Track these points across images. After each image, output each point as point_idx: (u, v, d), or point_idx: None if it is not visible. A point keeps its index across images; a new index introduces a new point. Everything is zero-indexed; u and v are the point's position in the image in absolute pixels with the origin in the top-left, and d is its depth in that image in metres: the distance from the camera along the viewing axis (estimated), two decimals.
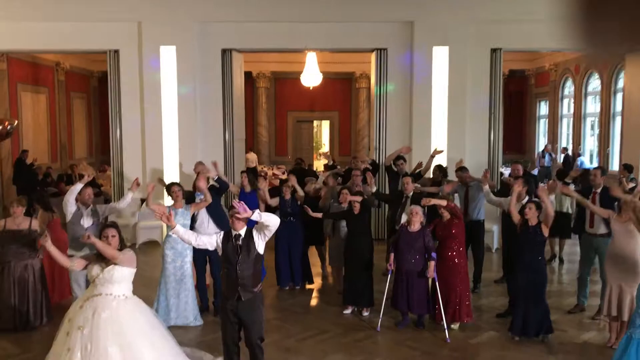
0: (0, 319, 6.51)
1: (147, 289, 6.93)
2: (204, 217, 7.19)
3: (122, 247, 4.94)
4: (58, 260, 5.03)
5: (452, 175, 9.30)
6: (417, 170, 9.42)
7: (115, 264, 4.79)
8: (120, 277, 4.83)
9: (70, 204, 6.70)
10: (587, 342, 6.33)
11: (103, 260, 4.83)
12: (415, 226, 6.62)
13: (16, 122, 14.72)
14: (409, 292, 6.60)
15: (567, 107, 19.25)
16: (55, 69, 17.74)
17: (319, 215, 7.72)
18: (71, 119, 18.94)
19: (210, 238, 5.03)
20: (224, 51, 11.55)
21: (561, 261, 9.84)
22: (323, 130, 24.54)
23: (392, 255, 6.73)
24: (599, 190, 6.93)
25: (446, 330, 6.35)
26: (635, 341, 4.80)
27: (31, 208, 7.29)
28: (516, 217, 6.38)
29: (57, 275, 7.48)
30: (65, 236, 7.25)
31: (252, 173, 10.06)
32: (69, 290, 7.40)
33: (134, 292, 5.01)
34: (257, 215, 4.74)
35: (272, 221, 4.81)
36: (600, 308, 6.69)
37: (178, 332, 6.20)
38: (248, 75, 17.37)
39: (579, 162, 16.01)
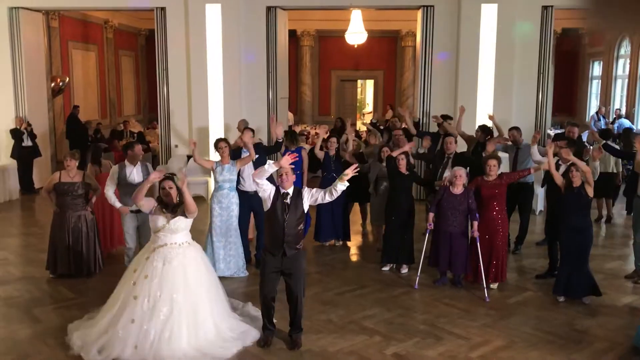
0: (56, 265, 6.90)
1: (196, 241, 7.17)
2: (250, 174, 7.35)
3: (180, 197, 5.15)
4: (138, 193, 5.14)
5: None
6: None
7: (183, 215, 5.05)
8: (185, 226, 5.13)
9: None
10: (628, 305, 6.29)
11: (167, 211, 5.07)
12: (459, 188, 6.62)
13: (67, 78, 15.18)
14: (450, 252, 6.67)
15: (622, 67, 18.49)
16: (104, 27, 18.07)
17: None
18: (120, 77, 19.35)
19: (269, 186, 5.07)
20: (268, 9, 11.55)
21: (609, 220, 9.88)
22: (367, 89, 24.35)
23: (431, 215, 6.77)
24: None
25: (485, 290, 6.40)
26: None
27: (84, 161, 7.60)
28: (559, 180, 6.31)
29: (108, 226, 7.83)
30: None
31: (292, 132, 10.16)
32: (119, 240, 7.76)
33: None
34: (343, 186, 4.97)
35: (338, 195, 5.07)
36: (638, 270, 6.74)
37: (224, 283, 6.46)
38: (292, 33, 17.28)
39: (616, 125, 15.56)
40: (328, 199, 5.07)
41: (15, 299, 6.30)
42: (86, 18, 16.82)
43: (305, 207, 5.09)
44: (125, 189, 6.77)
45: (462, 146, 8.60)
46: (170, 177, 5.25)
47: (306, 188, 5.22)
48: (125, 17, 18.80)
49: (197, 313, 4.97)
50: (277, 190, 5.05)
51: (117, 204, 6.76)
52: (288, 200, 5.00)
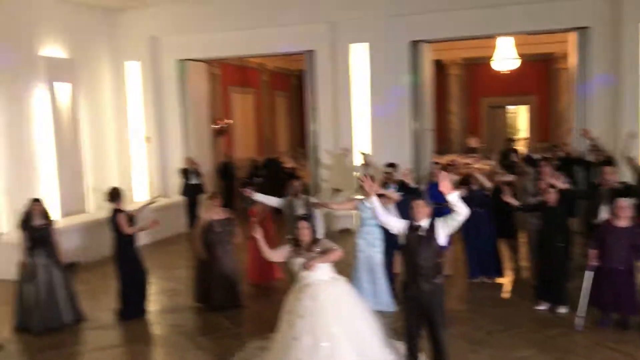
0: (213, 299, 7.40)
1: (342, 274, 7.35)
2: (390, 209, 7.41)
3: (314, 236, 5.36)
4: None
5: None
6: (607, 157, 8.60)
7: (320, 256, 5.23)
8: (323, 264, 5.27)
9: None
10: None
11: (306, 250, 5.27)
12: (624, 221, 6.12)
13: (231, 121, 16.41)
14: (615, 290, 6.16)
15: None
16: (260, 71, 19.37)
17: (514, 202, 7.35)
18: (275, 116, 20.54)
19: (398, 222, 5.14)
20: (413, 43, 11.65)
21: None
22: (520, 115, 23.33)
23: (595, 251, 6.29)
24: None
25: None
26: None
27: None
28: None
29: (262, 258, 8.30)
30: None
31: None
32: (273, 273, 8.22)
33: None
34: (454, 196, 4.78)
35: (463, 210, 4.81)
36: None
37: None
38: (438, 63, 17.19)
39: None
40: (457, 218, 4.84)
41: (182, 327, 6.89)
42: (244, 64, 18.16)
43: (440, 239, 4.94)
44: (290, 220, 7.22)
45: None
46: (303, 217, 5.49)
47: (440, 219, 5.02)
48: (279, 60, 19.98)
49: (361, 340, 5.06)
50: (411, 223, 5.03)
51: None
52: (421, 232, 4.94)
